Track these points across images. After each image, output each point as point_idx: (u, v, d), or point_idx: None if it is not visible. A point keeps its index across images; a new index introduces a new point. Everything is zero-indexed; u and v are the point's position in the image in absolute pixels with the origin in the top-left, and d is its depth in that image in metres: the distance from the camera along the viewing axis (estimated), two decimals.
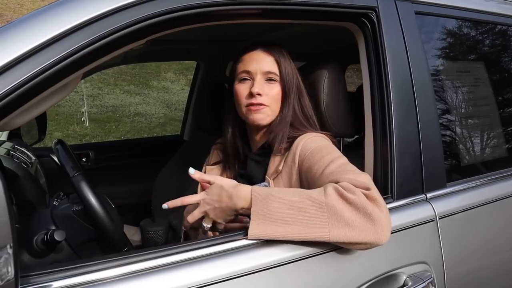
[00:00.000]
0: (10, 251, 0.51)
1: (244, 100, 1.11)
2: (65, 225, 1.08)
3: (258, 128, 1.14)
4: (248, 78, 1.11)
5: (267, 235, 0.84)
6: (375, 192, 0.86)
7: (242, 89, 1.11)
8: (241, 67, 1.13)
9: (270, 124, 1.12)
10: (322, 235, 0.83)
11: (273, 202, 0.85)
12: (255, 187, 0.91)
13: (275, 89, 1.11)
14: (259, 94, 1.08)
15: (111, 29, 0.79)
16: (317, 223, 0.83)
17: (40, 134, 2.05)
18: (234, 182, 0.94)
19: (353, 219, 0.82)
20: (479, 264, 1.19)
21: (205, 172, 1.27)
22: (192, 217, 0.94)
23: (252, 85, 1.09)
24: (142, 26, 0.82)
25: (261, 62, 1.11)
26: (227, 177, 1.20)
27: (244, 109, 1.12)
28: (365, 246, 0.85)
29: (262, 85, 1.10)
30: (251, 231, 0.84)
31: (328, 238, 0.83)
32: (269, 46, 1.13)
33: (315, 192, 0.86)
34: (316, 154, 1.00)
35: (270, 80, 1.11)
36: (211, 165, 1.28)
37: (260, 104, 1.09)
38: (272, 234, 0.84)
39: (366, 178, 0.90)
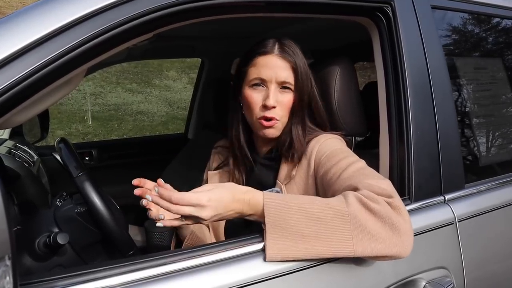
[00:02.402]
0: (8, 262, 0.47)
1: (256, 111, 1.03)
2: (68, 227, 1.05)
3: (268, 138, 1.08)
4: (262, 85, 1.03)
5: (288, 256, 0.77)
6: (397, 200, 0.81)
7: (254, 97, 1.03)
8: (254, 72, 1.03)
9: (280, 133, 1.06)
10: (346, 251, 0.77)
11: (290, 212, 0.77)
12: (266, 192, 0.83)
13: (288, 98, 1.03)
14: (273, 107, 1.01)
15: (116, 21, 0.75)
16: (340, 237, 0.76)
17: (43, 132, 2.02)
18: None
19: (378, 231, 0.77)
20: (500, 269, 1.14)
21: (207, 178, 1.22)
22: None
23: (267, 96, 1.01)
24: (148, 18, 0.78)
25: (277, 70, 1.01)
26: (233, 182, 1.14)
27: (255, 121, 1.04)
28: (390, 258, 0.80)
29: (277, 95, 1.02)
30: (270, 251, 0.77)
31: (353, 253, 0.77)
32: (285, 50, 1.03)
33: (335, 201, 0.79)
34: (333, 157, 0.95)
35: (284, 88, 1.03)
36: (213, 170, 1.22)
37: (273, 119, 1.02)
38: (294, 254, 0.77)
39: (387, 184, 0.84)
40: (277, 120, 1.03)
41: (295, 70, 1.03)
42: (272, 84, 1.02)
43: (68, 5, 0.73)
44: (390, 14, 1.07)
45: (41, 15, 0.71)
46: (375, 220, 0.77)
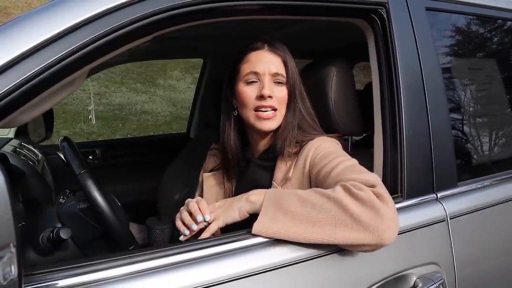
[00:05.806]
0: (13, 250, 0.51)
1: (252, 103, 1.05)
2: (71, 223, 1.07)
3: (264, 133, 1.10)
4: (256, 80, 1.06)
5: (274, 230, 0.84)
6: (381, 188, 0.85)
7: (249, 91, 1.06)
8: (247, 67, 1.08)
9: (276, 129, 1.09)
10: (328, 231, 0.82)
11: (284, 195, 0.89)
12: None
13: (283, 92, 1.07)
14: (270, 97, 1.04)
15: (120, 23, 0.77)
16: (324, 218, 0.82)
17: (47, 131, 2.05)
18: None
19: (359, 214, 0.80)
20: (491, 265, 1.16)
21: (202, 180, 1.24)
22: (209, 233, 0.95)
23: (262, 87, 1.04)
24: (150, 21, 0.81)
25: (269, 63, 1.07)
26: (227, 183, 1.18)
27: (251, 114, 1.06)
28: (371, 246, 0.82)
29: (272, 87, 1.06)
30: (257, 226, 0.85)
31: (334, 234, 0.81)
32: (275, 46, 1.10)
33: (323, 189, 0.88)
34: (325, 158, 0.99)
35: (277, 82, 1.07)
36: (208, 172, 1.24)
37: (271, 108, 1.05)
38: (279, 228, 0.84)
39: (372, 176, 0.89)
40: (275, 110, 1.06)
41: (285, 64, 1.09)
42: (266, 77, 1.06)
43: (72, 8, 0.75)
44: (385, 16, 1.08)
45: (47, 17, 0.74)
46: (357, 204, 0.81)
